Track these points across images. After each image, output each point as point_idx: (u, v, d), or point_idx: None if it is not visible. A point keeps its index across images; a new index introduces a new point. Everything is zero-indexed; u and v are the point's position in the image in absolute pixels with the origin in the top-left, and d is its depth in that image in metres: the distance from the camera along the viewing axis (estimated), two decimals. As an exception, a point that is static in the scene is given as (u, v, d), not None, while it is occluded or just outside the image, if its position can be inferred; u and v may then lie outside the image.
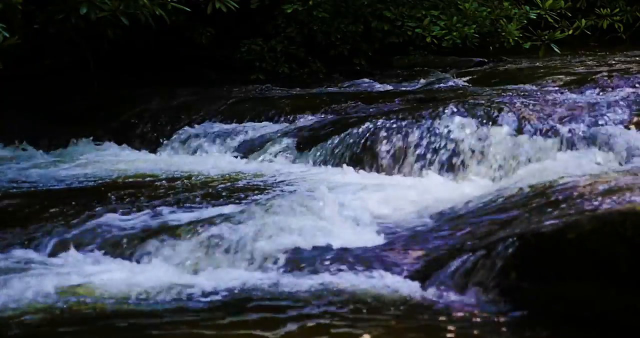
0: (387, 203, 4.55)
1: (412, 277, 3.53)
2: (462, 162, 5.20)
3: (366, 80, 8.38)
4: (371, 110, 6.38)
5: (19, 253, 4.07)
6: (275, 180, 5.24)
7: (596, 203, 3.57)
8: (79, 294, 3.42)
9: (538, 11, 8.04)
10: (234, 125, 6.65)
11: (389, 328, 3.04)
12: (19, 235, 4.31)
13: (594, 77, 7.20)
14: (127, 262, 3.91)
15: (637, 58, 8.97)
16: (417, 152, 5.34)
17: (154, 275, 3.66)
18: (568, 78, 7.75)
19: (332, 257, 3.72)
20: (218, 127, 6.63)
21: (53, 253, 4.04)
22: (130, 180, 5.41)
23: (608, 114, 5.39)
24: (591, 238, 3.11)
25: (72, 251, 4.01)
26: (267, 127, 6.47)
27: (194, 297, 3.40)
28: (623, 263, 2.99)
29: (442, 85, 7.86)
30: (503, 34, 8.18)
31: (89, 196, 4.92)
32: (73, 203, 4.73)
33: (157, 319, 3.18)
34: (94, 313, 3.25)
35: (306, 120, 6.45)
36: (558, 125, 5.29)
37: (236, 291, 3.44)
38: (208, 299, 3.38)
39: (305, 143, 5.89)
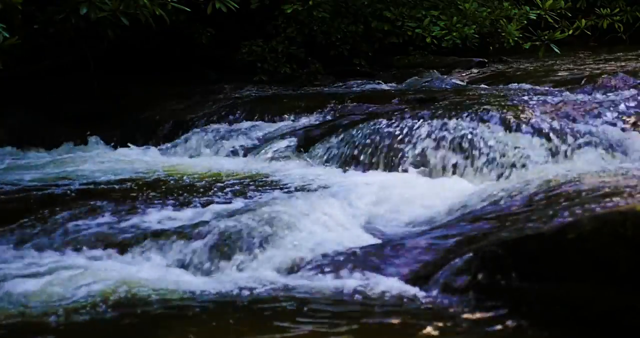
0: (387, 204, 4.55)
1: (411, 277, 3.52)
2: (462, 163, 5.20)
3: (366, 80, 8.38)
4: (371, 110, 6.38)
5: (15, 251, 4.07)
6: (275, 180, 5.24)
7: (596, 203, 3.57)
8: (88, 293, 3.42)
9: (538, 11, 8.05)
10: (235, 125, 6.65)
11: (386, 329, 3.03)
12: (17, 233, 4.31)
13: (594, 77, 7.21)
14: (127, 261, 3.90)
15: (637, 58, 8.97)
16: (417, 152, 5.34)
17: (154, 275, 3.66)
18: (568, 78, 7.75)
19: (330, 257, 3.72)
20: (219, 127, 6.63)
21: (51, 252, 4.03)
22: (131, 180, 5.41)
23: (608, 114, 5.39)
24: (591, 238, 3.11)
25: (74, 250, 4.01)
26: (267, 127, 6.48)
27: (192, 297, 3.40)
28: (623, 263, 2.99)
29: (442, 85, 7.86)
30: (503, 34, 8.19)
31: (89, 196, 4.92)
32: (74, 202, 4.73)
33: (156, 319, 3.18)
34: (103, 311, 3.25)
35: (306, 120, 6.46)
36: (558, 125, 5.28)
37: (234, 291, 3.44)
38: (206, 299, 3.37)
39: (305, 143, 5.89)
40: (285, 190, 4.93)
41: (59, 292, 3.43)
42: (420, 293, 3.37)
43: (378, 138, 5.53)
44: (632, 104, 5.56)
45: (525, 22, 8.19)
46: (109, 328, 3.11)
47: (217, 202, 4.65)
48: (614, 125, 5.28)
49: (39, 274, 3.68)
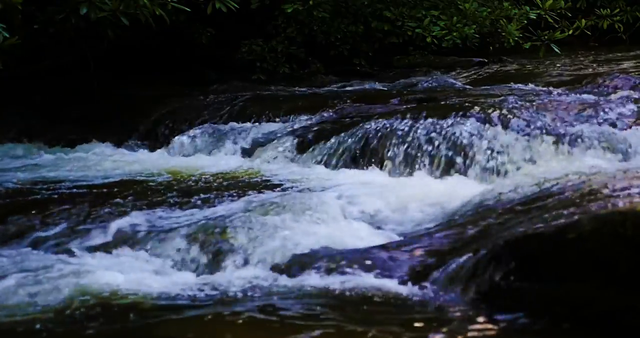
0: (386, 204, 4.54)
1: (410, 277, 3.52)
2: (462, 163, 5.20)
3: (366, 80, 8.38)
4: (371, 110, 6.38)
5: (23, 252, 4.07)
6: (275, 180, 5.24)
7: (596, 203, 3.57)
8: (89, 292, 3.41)
9: (538, 11, 8.05)
10: (235, 125, 6.65)
11: (383, 329, 3.03)
12: (24, 234, 4.30)
13: (594, 77, 7.21)
14: (120, 261, 3.89)
15: (637, 58, 8.97)
16: (417, 152, 5.34)
17: (147, 275, 3.65)
18: (568, 78, 7.76)
19: (329, 258, 3.71)
20: (218, 127, 6.63)
21: (55, 253, 4.02)
22: (129, 180, 5.41)
23: (608, 114, 5.39)
24: (591, 238, 3.11)
25: (76, 250, 4.00)
26: (267, 128, 6.47)
27: (187, 297, 3.39)
28: (623, 263, 2.98)
29: (442, 85, 7.85)
30: (503, 34, 8.19)
31: (89, 196, 4.92)
32: (74, 203, 4.73)
33: (156, 318, 3.18)
34: (102, 311, 3.24)
35: (306, 120, 6.45)
36: (557, 125, 5.28)
37: (233, 290, 3.44)
38: (202, 299, 3.37)
39: (305, 143, 5.89)
40: (284, 190, 4.93)
41: (40, 294, 3.41)
42: (419, 293, 3.36)
43: (377, 138, 5.53)
44: (632, 104, 5.56)
45: (525, 22, 8.20)
46: (101, 331, 3.09)
47: (215, 202, 4.64)
48: (614, 125, 5.28)
49: (18, 274, 3.65)
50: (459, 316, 3.14)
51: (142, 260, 3.88)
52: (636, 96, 5.94)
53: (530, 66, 8.82)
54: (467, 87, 7.69)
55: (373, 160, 5.46)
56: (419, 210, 4.45)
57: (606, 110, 5.45)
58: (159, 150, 6.58)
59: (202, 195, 4.82)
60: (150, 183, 5.26)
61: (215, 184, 5.17)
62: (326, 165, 5.60)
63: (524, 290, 3.17)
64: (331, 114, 6.53)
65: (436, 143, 5.33)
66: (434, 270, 3.50)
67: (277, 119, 6.67)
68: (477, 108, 5.55)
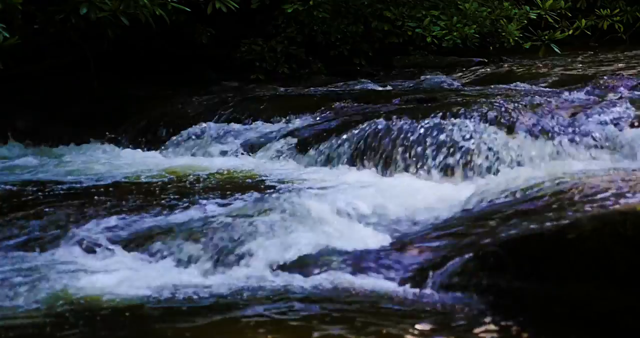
0: (385, 204, 4.54)
1: (410, 278, 3.52)
2: (462, 163, 5.19)
3: (366, 80, 8.38)
4: (371, 110, 6.37)
5: (22, 252, 4.06)
6: (274, 180, 5.24)
7: (596, 203, 3.57)
8: (85, 294, 3.41)
9: (538, 11, 8.05)
10: (234, 125, 6.64)
11: (383, 330, 3.03)
12: (23, 234, 4.30)
13: (593, 77, 7.21)
14: (124, 261, 3.89)
15: (637, 58, 8.97)
16: (416, 152, 5.34)
17: (146, 276, 3.65)
18: (567, 78, 7.75)
19: (329, 258, 3.71)
20: (218, 127, 6.62)
21: (56, 253, 4.02)
22: (127, 180, 5.40)
23: (607, 114, 5.39)
24: (591, 238, 3.11)
25: (77, 250, 4.00)
26: (267, 127, 6.47)
27: (185, 297, 3.39)
28: (623, 263, 2.99)
29: (442, 85, 7.85)
30: (503, 34, 8.19)
31: (85, 196, 4.92)
32: (74, 203, 4.73)
33: (152, 320, 3.17)
34: (99, 313, 3.24)
35: (306, 120, 6.45)
36: (557, 125, 5.29)
37: (231, 291, 3.44)
38: (205, 299, 3.37)
39: (305, 143, 5.89)
40: (282, 190, 4.92)
41: (33, 297, 3.40)
42: (419, 294, 3.36)
43: (377, 139, 5.53)
44: (632, 104, 5.56)
45: (525, 22, 8.20)
46: (97, 334, 3.08)
47: (213, 202, 4.64)
48: (613, 125, 5.28)
49: (42, 274, 3.66)
50: (459, 316, 3.14)
51: (137, 261, 3.88)
52: (635, 96, 5.94)
53: (530, 66, 8.81)
54: (467, 87, 7.68)
55: (372, 160, 5.46)
56: (417, 210, 4.45)
57: (605, 110, 5.45)
58: (156, 150, 6.57)
59: (199, 196, 4.82)
60: (147, 183, 5.26)
61: (213, 184, 5.17)
62: (325, 165, 5.60)
63: (524, 290, 3.18)
64: (330, 114, 6.53)
65: (435, 144, 5.33)
66: (434, 270, 3.50)
67: (276, 119, 6.66)
68: (477, 108, 5.55)
